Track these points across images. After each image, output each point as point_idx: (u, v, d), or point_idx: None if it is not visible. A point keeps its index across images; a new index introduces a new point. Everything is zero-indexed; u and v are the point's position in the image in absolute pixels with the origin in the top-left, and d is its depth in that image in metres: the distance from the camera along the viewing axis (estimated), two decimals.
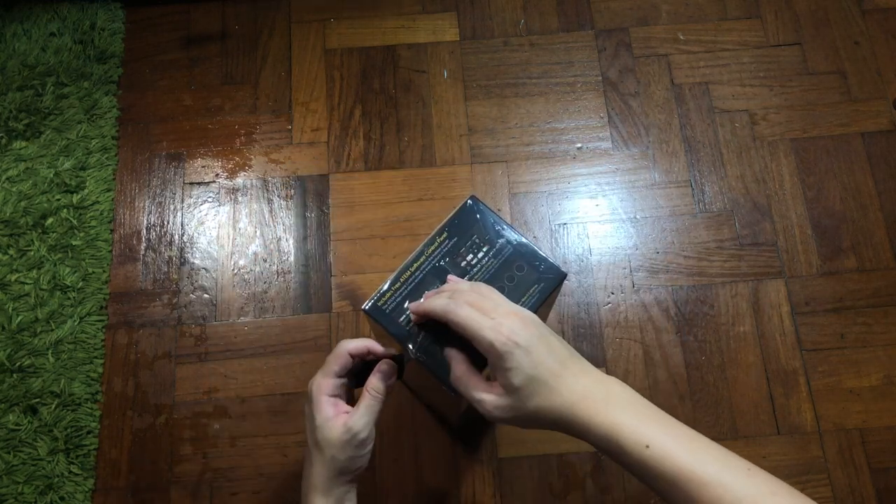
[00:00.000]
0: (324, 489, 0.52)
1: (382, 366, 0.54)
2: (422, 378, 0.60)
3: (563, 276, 0.57)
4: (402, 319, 0.55)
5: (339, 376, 0.53)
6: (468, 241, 0.58)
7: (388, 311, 0.55)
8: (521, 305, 0.55)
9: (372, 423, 0.52)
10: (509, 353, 0.45)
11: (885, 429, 0.77)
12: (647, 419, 0.44)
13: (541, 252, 0.57)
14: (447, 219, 0.59)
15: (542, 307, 0.58)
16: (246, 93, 0.91)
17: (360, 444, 0.52)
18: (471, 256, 0.57)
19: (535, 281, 0.56)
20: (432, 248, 0.57)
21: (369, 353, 0.54)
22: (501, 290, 0.54)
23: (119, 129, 0.89)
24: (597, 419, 0.44)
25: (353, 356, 0.53)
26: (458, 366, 0.49)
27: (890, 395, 0.78)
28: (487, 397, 0.47)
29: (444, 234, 0.58)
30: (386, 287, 0.56)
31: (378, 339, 0.59)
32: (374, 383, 0.53)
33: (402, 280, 0.56)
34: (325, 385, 0.52)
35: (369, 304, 0.55)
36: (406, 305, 0.54)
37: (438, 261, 0.57)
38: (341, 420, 0.51)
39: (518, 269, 0.57)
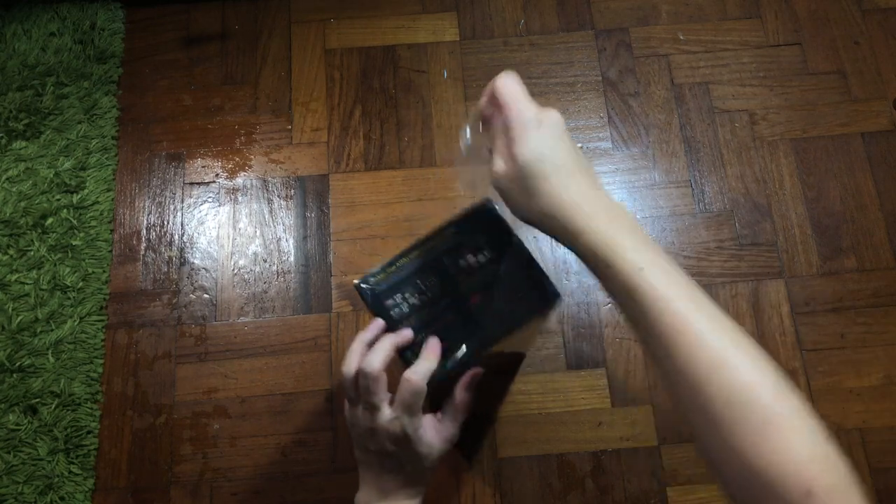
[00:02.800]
0: (422, 490, 0.55)
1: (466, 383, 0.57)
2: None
3: (558, 300, 0.56)
4: (388, 302, 0.55)
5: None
6: (474, 242, 0.57)
7: (378, 292, 0.55)
8: (510, 319, 0.55)
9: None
10: (538, 123, 0.44)
11: (885, 429, 0.77)
12: (648, 247, 0.41)
13: (543, 271, 0.57)
14: (460, 214, 0.58)
15: (532, 324, 0.58)
16: (246, 93, 0.91)
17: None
18: (471, 257, 0.56)
19: (527, 298, 0.56)
20: (437, 240, 0.57)
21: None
22: (492, 297, 0.55)
23: (119, 129, 0.89)
24: (594, 225, 0.41)
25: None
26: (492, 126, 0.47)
27: (890, 395, 0.78)
28: (498, 157, 0.46)
29: (453, 230, 0.57)
30: (379, 269, 0.56)
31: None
32: (464, 399, 0.57)
33: (397, 265, 0.56)
34: (419, 422, 0.52)
35: (362, 282, 0.55)
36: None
37: (439, 254, 0.57)
38: (439, 436, 0.54)
39: (513, 283, 0.56)
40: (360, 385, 0.51)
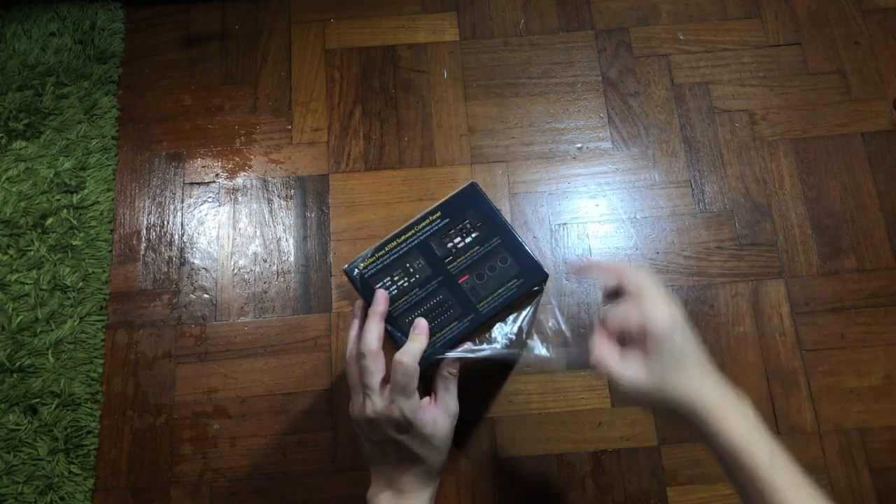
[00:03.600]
0: (434, 488, 0.55)
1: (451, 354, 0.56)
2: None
3: (545, 276, 0.57)
4: (378, 286, 0.56)
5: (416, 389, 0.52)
6: (459, 224, 0.59)
7: (367, 276, 0.56)
8: (499, 297, 0.57)
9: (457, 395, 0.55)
10: (677, 328, 0.48)
11: (885, 429, 0.77)
12: (773, 445, 0.46)
13: (528, 249, 0.58)
14: (444, 199, 0.60)
15: (528, 309, 0.58)
16: (246, 93, 0.91)
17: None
18: (458, 239, 0.58)
19: (515, 275, 0.57)
20: (423, 224, 0.58)
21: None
22: (481, 277, 0.56)
23: (119, 129, 0.89)
24: (732, 426, 0.46)
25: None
26: (600, 345, 0.51)
27: (890, 395, 0.78)
28: (628, 372, 0.48)
29: (438, 214, 0.59)
30: (369, 253, 0.57)
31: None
32: (449, 365, 0.55)
33: (385, 249, 0.57)
34: (416, 404, 0.51)
35: (352, 267, 0.56)
36: (587, 260, 0.56)
37: (426, 238, 0.58)
38: (441, 412, 0.53)
39: (501, 261, 0.58)
40: (361, 368, 0.52)
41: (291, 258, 0.84)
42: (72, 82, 0.90)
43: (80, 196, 0.85)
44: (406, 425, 0.51)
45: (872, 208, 0.85)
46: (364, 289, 0.56)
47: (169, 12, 0.95)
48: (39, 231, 0.83)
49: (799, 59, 0.92)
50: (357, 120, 0.90)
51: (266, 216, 0.86)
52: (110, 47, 0.92)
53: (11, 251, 0.82)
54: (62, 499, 0.74)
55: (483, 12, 0.95)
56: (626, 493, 0.75)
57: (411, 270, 0.57)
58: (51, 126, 0.88)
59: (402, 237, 0.58)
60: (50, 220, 0.83)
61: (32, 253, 0.82)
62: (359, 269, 0.56)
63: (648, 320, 0.48)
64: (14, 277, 0.81)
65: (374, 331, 0.52)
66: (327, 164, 0.88)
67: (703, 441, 0.48)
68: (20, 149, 0.86)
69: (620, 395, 0.49)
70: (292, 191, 0.87)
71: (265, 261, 0.84)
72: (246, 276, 0.83)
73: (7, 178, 0.85)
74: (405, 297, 0.56)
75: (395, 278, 0.56)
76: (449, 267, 0.57)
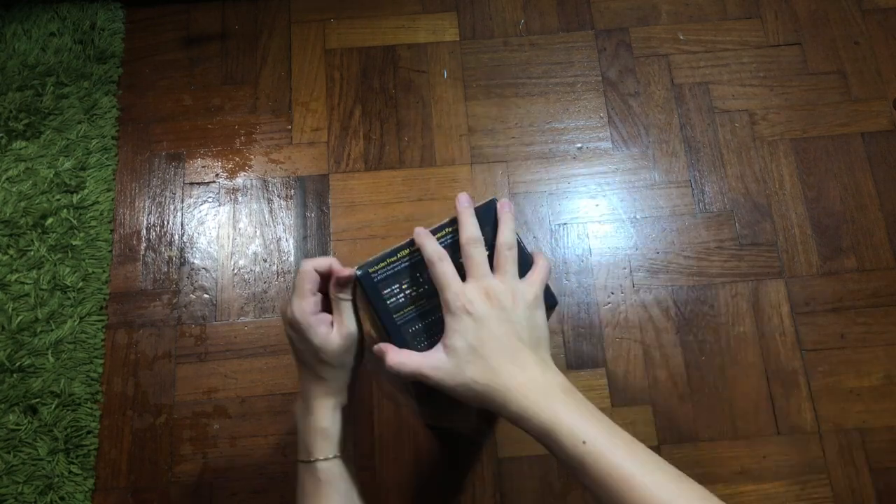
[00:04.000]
0: (337, 400, 0.55)
1: (338, 275, 0.54)
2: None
3: (554, 302, 0.57)
4: (385, 293, 0.54)
5: (314, 294, 0.54)
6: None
7: (376, 280, 0.54)
8: None
9: (354, 320, 0.55)
10: (458, 317, 0.47)
11: (885, 429, 0.77)
12: (586, 417, 0.45)
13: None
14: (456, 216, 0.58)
15: None
16: (246, 93, 0.91)
17: (354, 344, 0.55)
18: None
19: None
20: (439, 234, 0.56)
21: (332, 271, 0.54)
22: None
23: (119, 129, 0.89)
24: (534, 408, 0.46)
25: (318, 273, 0.54)
26: (388, 348, 0.50)
27: (890, 395, 0.78)
28: (426, 358, 0.48)
29: (455, 227, 0.56)
30: (379, 257, 0.55)
31: (361, 305, 0.59)
32: (339, 289, 0.54)
33: (397, 256, 0.55)
34: (307, 306, 0.53)
35: (361, 270, 0.54)
36: (415, 232, 0.53)
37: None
38: (335, 331, 0.54)
39: None
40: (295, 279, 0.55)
41: (291, 258, 0.84)
42: (72, 82, 0.90)
43: (80, 196, 0.85)
44: (295, 324, 0.53)
45: (872, 208, 0.85)
46: (373, 294, 0.54)
47: (169, 12, 0.95)
48: (39, 231, 0.83)
49: (799, 59, 0.92)
50: (357, 120, 0.90)
51: (266, 216, 0.86)
52: (110, 47, 0.92)
53: (11, 251, 0.82)
54: (62, 499, 0.74)
55: (483, 12, 0.95)
56: None
57: (420, 280, 0.55)
58: (51, 126, 0.88)
59: (416, 246, 0.55)
60: (50, 220, 0.83)
61: (32, 253, 0.82)
62: (369, 272, 0.55)
63: (448, 292, 0.48)
64: (14, 277, 0.81)
65: (321, 259, 0.54)
66: (327, 164, 0.88)
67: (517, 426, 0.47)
68: (20, 149, 0.86)
69: (439, 388, 0.48)
70: (292, 191, 0.87)
71: (265, 261, 0.84)
72: (246, 276, 0.83)
73: (7, 178, 0.85)
74: (412, 307, 0.54)
75: (404, 286, 0.55)
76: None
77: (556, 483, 0.75)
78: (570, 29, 0.94)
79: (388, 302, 0.54)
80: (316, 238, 0.85)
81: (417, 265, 0.55)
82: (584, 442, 0.44)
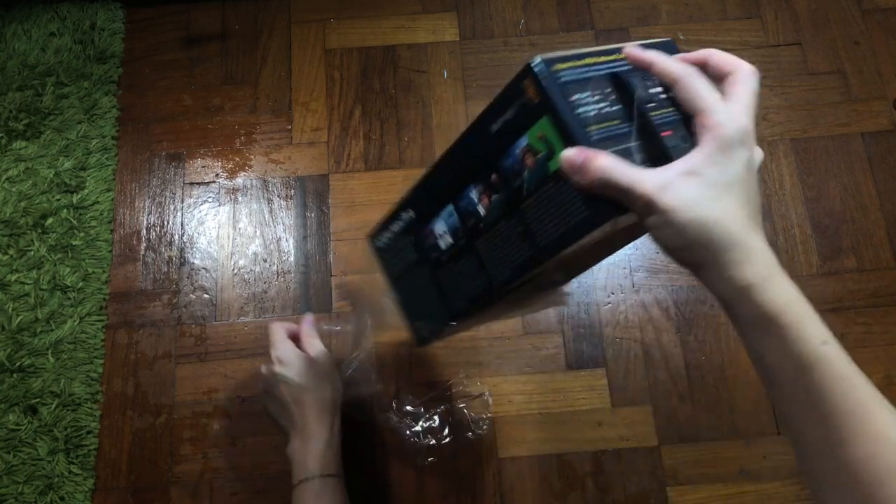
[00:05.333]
0: (334, 412, 0.68)
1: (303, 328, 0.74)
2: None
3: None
4: (573, 99, 0.40)
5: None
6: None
7: (562, 81, 0.41)
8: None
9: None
10: (727, 145, 0.35)
11: None
12: (822, 321, 0.37)
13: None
14: (637, 43, 0.44)
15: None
16: (246, 93, 0.91)
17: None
18: (660, 89, 0.43)
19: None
20: (619, 56, 0.43)
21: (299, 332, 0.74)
22: (685, 139, 0.41)
23: (119, 129, 0.89)
24: (777, 280, 0.37)
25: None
26: (592, 151, 0.38)
27: (890, 395, 0.78)
28: (654, 175, 0.36)
29: (620, 59, 0.43)
30: (571, 55, 0.42)
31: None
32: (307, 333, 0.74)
33: (588, 61, 0.43)
34: (289, 344, 0.71)
35: (542, 63, 0.42)
36: (623, 49, 0.41)
37: (628, 71, 0.42)
38: (315, 354, 0.71)
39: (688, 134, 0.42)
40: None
41: (291, 258, 0.84)
42: (72, 82, 0.90)
43: (80, 196, 0.85)
44: (284, 360, 0.69)
45: (872, 208, 0.85)
46: (557, 93, 0.40)
47: (169, 12, 0.95)
48: (39, 231, 0.83)
49: (799, 59, 0.92)
50: (357, 120, 0.90)
51: (266, 216, 0.86)
52: (110, 47, 0.92)
53: (11, 251, 0.82)
54: (62, 499, 0.74)
55: (483, 12, 0.95)
56: (626, 493, 0.75)
57: (613, 98, 0.41)
58: (51, 126, 0.88)
59: (607, 57, 0.42)
60: (50, 220, 0.83)
61: (32, 253, 0.82)
62: (553, 70, 0.41)
63: (722, 114, 0.36)
64: (14, 277, 0.81)
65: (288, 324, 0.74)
66: (327, 164, 0.88)
67: (724, 299, 0.37)
68: (20, 149, 0.86)
69: (656, 220, 0.36)
70: (292, 191, 0.87)
71: (265, 261, 0.84)
72: (246, 276, 0.83)
73: (7, 178, 0.85)
74: (606, 124, 0.40)
75: (595, 97, 0.41)
76: (653, 114, 0.42)
77: (557, 483, 0.75)
78: (570, 29, 0.94)
79: (578, 111, 0.40)
80: (316, 238, 0.85)
81: (609, 79, 0.42)
82: (824, 342, 0.34)
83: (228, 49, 0.93)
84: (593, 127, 0.40)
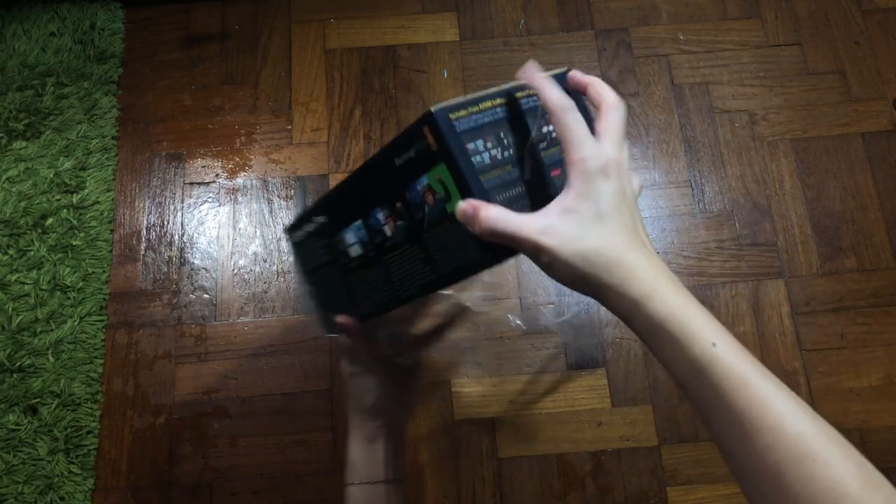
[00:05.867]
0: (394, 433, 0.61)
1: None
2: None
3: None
4: (469, 147, 0.42)
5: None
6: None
7: (458, 130, 0.43)
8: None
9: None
10: (591, 178, 0.39)
11: (885, 429, 0.77)
12: (710, 317, 0.38)
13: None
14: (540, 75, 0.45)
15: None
16: (246, 93, 0.91)
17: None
18: (552, 128, 0.45)
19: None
20: (519, 95, 0.46)
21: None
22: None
23: (119, 129, 0.89)
24: (663, 295, 0.38)
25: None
26: (479, 203, 0.41)
27: (890, 395, 0.78)
28: (533, 220, 0.39)
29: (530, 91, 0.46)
30: (461, 102, 0.43)
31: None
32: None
33: (481, 107, 0.44)
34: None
35: (438, 110, 0.42)
36: (525, 70, 0.43)
37: (525, 110, 0.46)
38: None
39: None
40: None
41: (291, 258, 0.84)
42: (72, 82, 0.90)
43: (80, 196, 0.85)
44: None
45: (872, 208, 0.85)
46: (454, 142, 0.42)
47: (169, 12, 0.95)
48: (39, 231, 0.83)
49: (799, 59, 0.92)
50: (357, 120, 0.90)
51: (266, 216, 0.86)
52: (110, 47, 0.92)
53: (11, 251, 0.82)
54: (62, 499, 0.74)
55: (483, 12, 0.95)
56: (626, 493, 0.75)
57: (506, 143, 0.44)
58: (51, 126, 0.88)
59: (498, 100, 0.45)
60: (50, 220, 0.83)
61: (32, 253, 0.82)
62: (448, 116, 0.42)
63: (587, 148, 0.39)
64: (14, 277, 0.81)
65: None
66: (327, 163, 0.88)
67: (622, 317, 0.40)
68: (20, 149, 0.86)
69: (544, 258, 0.39)
70: (292, 191, 0.87)
71: (265, 261, 0.84)
72: (246, 276, 0.83)
73: (7, 178, 0.85)
74: (498, 171, 0.43)
75: (489, 145, 0.43)
76: (544, 153, 0.44)
77: (556, 483, 0.75)
78: (570, 29, 0.94)
79: (473, 159, 0.42)
80: None
81: (504, 123, 0.44)
82: (714, 344, 0.36)
83: (228, 49, 0.93)
84: (488, 175, 0.42)
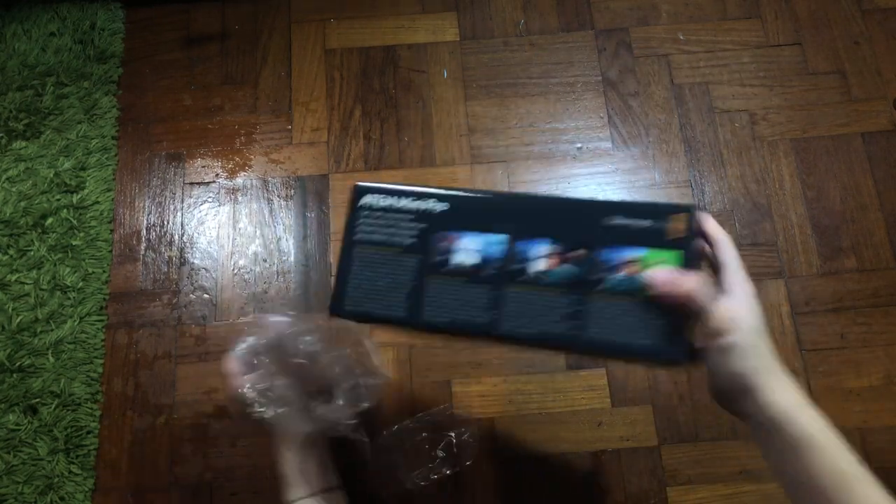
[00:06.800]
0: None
1: None
2: None
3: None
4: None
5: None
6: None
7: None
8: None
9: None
10: (756, 298, 0.46)
11: (885, 429, 0.77)
12: (841, 439, 0.44)
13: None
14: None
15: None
16: (246, 93, 0.91)
17: None
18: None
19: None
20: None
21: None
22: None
23: (119, 129, 0.89)
24: (783, 397, 0.44)
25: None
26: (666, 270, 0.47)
27: (890, 395, 0.78)
28: (732, 302, 0.46)
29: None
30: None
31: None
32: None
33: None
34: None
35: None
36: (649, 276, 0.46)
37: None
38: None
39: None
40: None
41: (291, 258, 0.84)
42: (72, 82, 0.90)
43: (80, 196, 0.85)
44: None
45: (872, 208, 0.85)
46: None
47: (169, 12, 0.95)
48: (39, 231, 0.83)
49: (799, 59, 0.92)
50: (357, 120, 0.90)
51: (266, 216, 0.86)
52: (110, 47, 0.92)
53: (11, 251, 0.82)
54: (62, 499, 0.74)
55: (483, 12, 0.95)
56: (626, 493, 0.75)
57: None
58: (51, 126, 0.88)
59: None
60: (50, 220, 0.83)
61: (32, 253, 0.82)
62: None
63: (736, 319, 0.45)
64: (14, 277, 0.81)
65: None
66: (327, 163, 0.88)
67: (750, 419, 0.46)
68: (20, 149, 0.86)
69: (704, 329, 0.45)
70: (292, 191, 0.87)
71: (265, 261, 0.84)
72: (246, 276, 0.83)
73: (7, 178, 0.85)
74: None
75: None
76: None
77: (557, 483, 0.75)
78: (570, 29, 0.94)
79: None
80: (316, 238, 0.85)
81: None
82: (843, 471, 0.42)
83: (228, 49, 0.93)
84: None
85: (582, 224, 0.46)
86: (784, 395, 0.44)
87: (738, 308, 0.45)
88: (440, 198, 0.49)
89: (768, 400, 0.44)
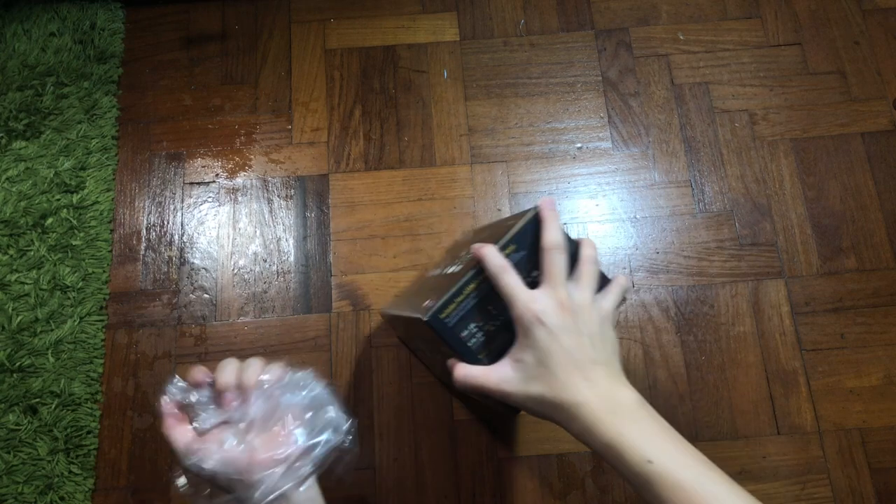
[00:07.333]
0: None
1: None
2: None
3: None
4: (464, 334, 0.50)
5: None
6: (535, 256, 0.51)
7: (452, 325, 0.49)
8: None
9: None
10: (529, 329, 0.46)
11: (885, 429, 0.77)
12: (655, 434, 0.44)
13: (605, 274, 0.52)
14: (513, 230, 0.52)
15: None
16: (246, 93, 0.91)
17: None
18: (536, 272, 0.51)
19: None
20: (506, 251, 0.51)
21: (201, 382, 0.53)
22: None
23: (119, 129, 0.89)
24: (600, 425, 0.44)
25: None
26: (454, 363, 0.50)
27: (890, 395, 0.78)
28: (493, 372, 0.48)
29: (513, 246, 0.51)
30: (447, 298, 0.49)
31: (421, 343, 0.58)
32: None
33: (464, 293, 0.50)
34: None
35: (434, 314, 0.49)
36: (474, 247, 0.50)
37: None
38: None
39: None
40: None
41: (291, 258, 0.84)
42: (72, 82, 0.90)
43: (80, 196, 0.85)
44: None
45: (872, 208, 0.85)
46: (452, 339, 0.49)
47: (169, 12, 0.95)
48: (39, 231, 0.83)
49: (799, 59, 0.92)
50: (357, 120, 0.90)
51: (266, 216, 0.86)
52: (110, 47, 0.92)
53: (11, 251, 0.82)
54: (62, 499, 0.74)
55: (483, 12, 0.95)
56: (626, 493, 0.75)
57: (494, 313, 0.50)
58: (51, 126, 0.88)
59: (479, 276, 0.50)
60: (50, 220, 0.83)
61: (32, 253, 0.82)
62: (442, 317, 0.49)
63: (518, 305, 0.47)
64: (14, 277, 0.81)
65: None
66: (327, 164, 0.88)
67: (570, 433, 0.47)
68: (20, 149, 0.86)
69: (493, 401, 0.49)
70: (292, 191, 0.87)
71: (265, 261, 0.84)
72: (246, 276, 0.83)
73: (7, 178, 0.85)
74: (494, 343, 0.50)
75: (481, 324, 0.50)
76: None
77: (557, 483, 0.75)
78: (570, 29, 0.94)
79: (470, 344, 0.50)
80: (316, 238, 0.85)
81: (487, 297, 0.50)
82: (649, 461, 0.42)
83: (228, 49, 0.93)
84: (488, 349, 0.50)
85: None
86: (607, 424, 0.45)
87: (538, 301, 0.47)
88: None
89: (587, 429, 0.46)
